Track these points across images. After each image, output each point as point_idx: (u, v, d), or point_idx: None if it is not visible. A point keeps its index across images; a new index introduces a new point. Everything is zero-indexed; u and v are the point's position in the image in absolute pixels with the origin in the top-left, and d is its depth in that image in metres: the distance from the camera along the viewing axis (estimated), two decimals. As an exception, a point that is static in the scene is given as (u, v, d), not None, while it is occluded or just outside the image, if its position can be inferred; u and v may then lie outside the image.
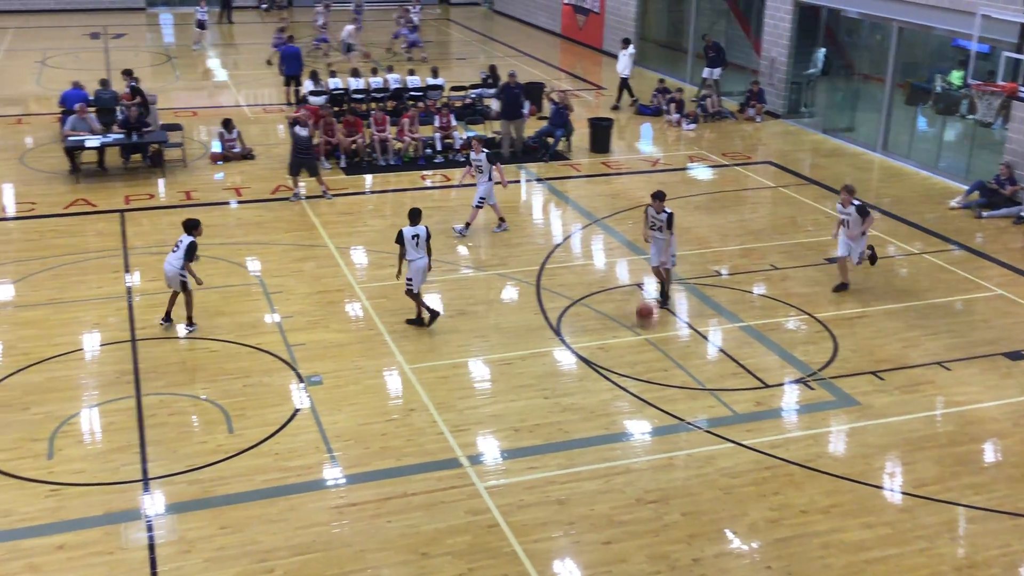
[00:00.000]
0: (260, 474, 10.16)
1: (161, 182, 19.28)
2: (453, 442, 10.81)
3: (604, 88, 29.12)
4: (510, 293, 14.78)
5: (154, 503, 9.69)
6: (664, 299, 14.26)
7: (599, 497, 9.93)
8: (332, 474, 10.24)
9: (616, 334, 13.42)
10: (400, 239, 13.09)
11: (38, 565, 8.73)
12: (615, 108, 25.80)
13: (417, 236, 13.17)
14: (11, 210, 17.62)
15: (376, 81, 24.48)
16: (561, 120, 21.71)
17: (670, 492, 10.04)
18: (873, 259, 15.02)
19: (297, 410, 11.38)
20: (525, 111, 21.93)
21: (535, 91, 24.99)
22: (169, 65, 31.10)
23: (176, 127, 21.26)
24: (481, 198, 16.75)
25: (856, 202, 14.27)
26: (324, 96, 22.72)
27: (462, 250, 16.39)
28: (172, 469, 10.18)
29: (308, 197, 18.46)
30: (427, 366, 12.44)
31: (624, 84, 26.26)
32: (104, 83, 21.93)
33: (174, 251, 12.87)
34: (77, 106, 19.81)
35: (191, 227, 12.99)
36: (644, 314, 13.68)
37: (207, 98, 26.42)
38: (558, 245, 16.77)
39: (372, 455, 10.56)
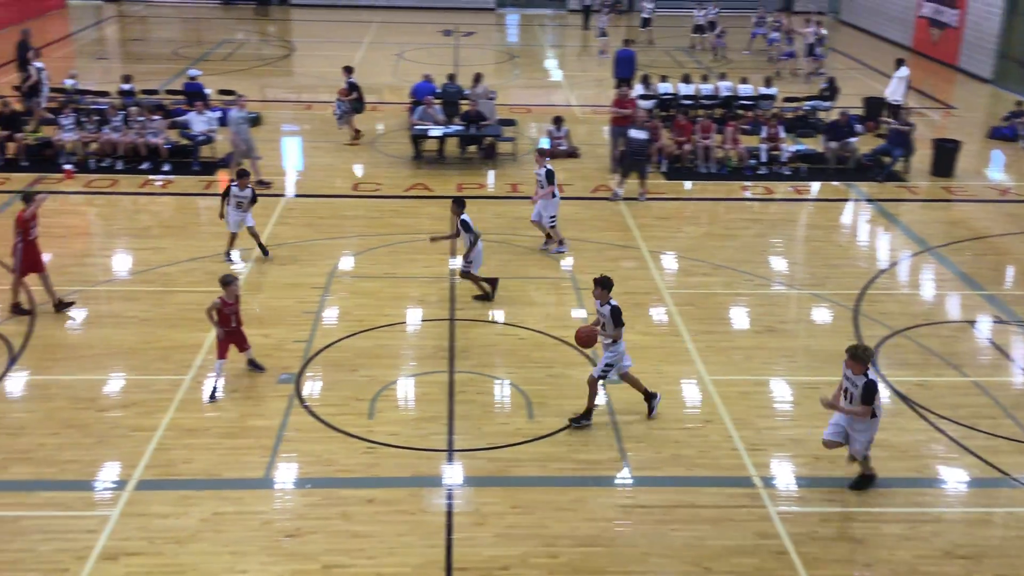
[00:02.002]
0: (553, 462, 10.45)
1: (491, 173, 20.34)
2: (747, 460, 10.52)
3: (954, 107, 27.04)
4: (824, 315, 14.15)
5: (455, 474, 10.27)
6: (581, 417, 11.11)
7: (902, 543, 9.27)
8: (621, 473, 10.33)
9: (940, 372, 12.44)
10: (471, 226, 13.79)
11: (350, 514, 9.54)
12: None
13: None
14: (360, 188, 19.33)
15: (707, 88, 24.30)
16: (900, 139, 20.40)
17: (985, 550, 9.17)
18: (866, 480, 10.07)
19: (594, 405, 11.58)
20: (861, 128, 20.82)
21: (874, 108, 23.66)
22: (510, 63, 32.71)
23: (511, 122, 22.32)
24: (551, 216, 15.91)
25: (869, 375, 9.59)
26: (653, 100, 22.89)
27: (777, 265, 15.90)
28: (474, 444, 10.74)
29: (626, 199, 18.70)
30: (728, 379, 12.20)
31: (892, 110, 23.86)
32: (451, 77, 23.46)
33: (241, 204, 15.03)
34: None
35: (243, 175, 15.19)
36: (584, 338, 11.15)
37: (541, 96, 27.49)
38: (883, 271, 15.80)
39: (663, 460, 10.53)
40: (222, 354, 11.58)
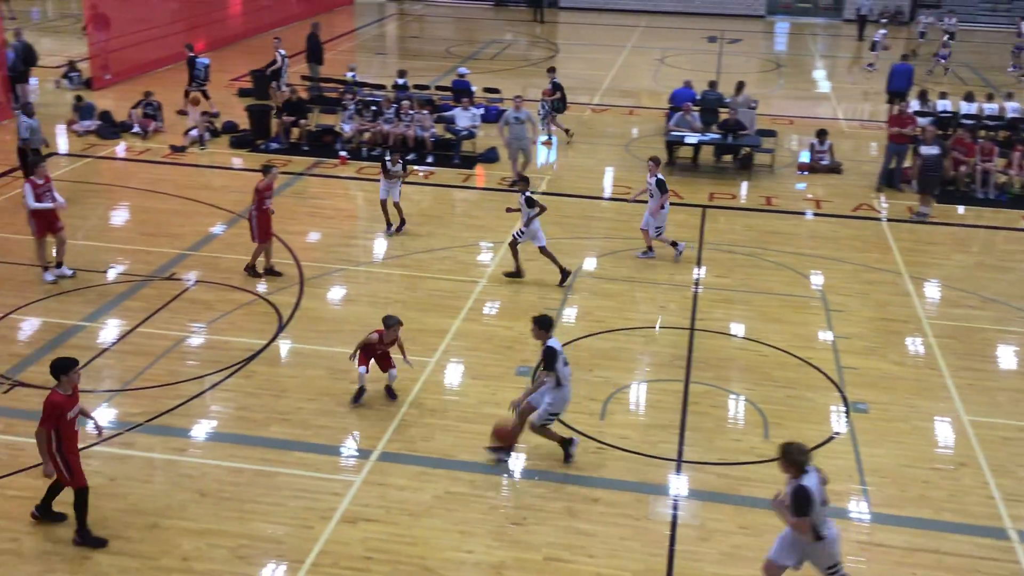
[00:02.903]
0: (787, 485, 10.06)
1: (745, 184, 19.85)
2: (1003, 511, 9.70)
3: None
4: (1109, 363, 12.79)
5: (683, 485, 10.13)
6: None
7: None
8: (860, 507, 9.80)
9: None
10: (535, 202, 14.37)
11: (575, 511, 9.63)
12: None
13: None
14: (608, 191, 19.45)
15: (990, 107, 22.55)
16: None
17: None
18: None
19: (836, 433, 11.07)
20: None
21: None
22: (775, 73, 31.79)
23: (770, 133, 21.69)
24: (658, 227, 15.37)
25: (804, 480, 7.73)
26: (930, 118, 21.51)
27: (1057, 304, 14.54)
28: (705, 458, 10.54)
29: (891, 219, 17.71)
30: (989, 422, 11.29)
31: None
32: (712, 84, 23.10)
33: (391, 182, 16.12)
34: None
35: (394, 151, 16.41)
36: (503, 436, 10.19)
37: (806, 108, 26.50)
38: None
39: (907, 500, 9.90)
40: (363, 362, 11.34)
